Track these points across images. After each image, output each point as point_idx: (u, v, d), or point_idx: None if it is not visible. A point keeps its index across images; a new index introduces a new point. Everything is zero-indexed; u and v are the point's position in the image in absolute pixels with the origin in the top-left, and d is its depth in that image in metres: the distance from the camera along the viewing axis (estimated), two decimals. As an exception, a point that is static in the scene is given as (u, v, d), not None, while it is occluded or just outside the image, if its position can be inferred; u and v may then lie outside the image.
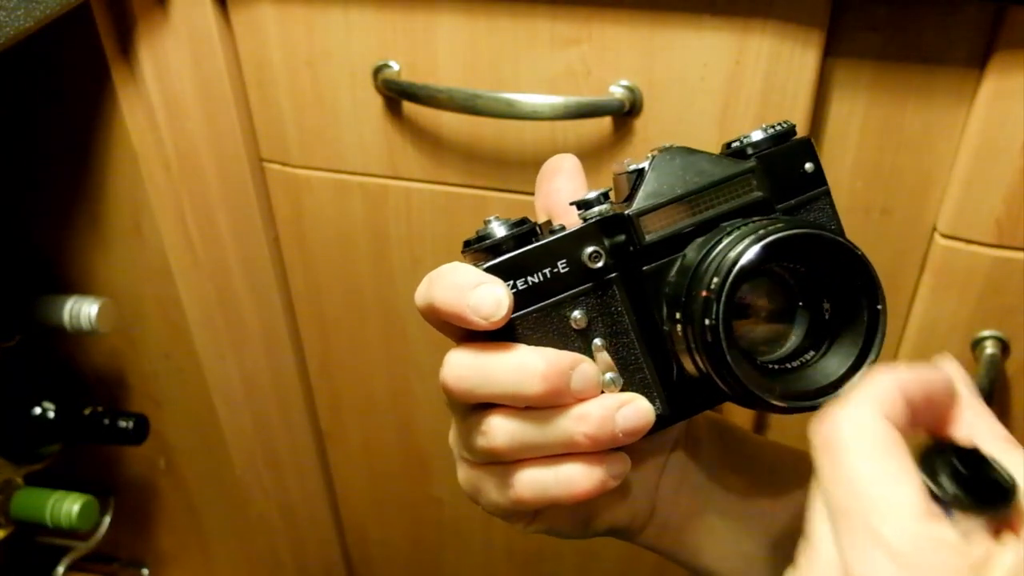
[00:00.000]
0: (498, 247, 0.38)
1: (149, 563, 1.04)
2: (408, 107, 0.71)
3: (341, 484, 0.99)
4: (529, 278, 0.38)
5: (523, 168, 0.70)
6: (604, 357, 0.39)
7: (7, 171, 0.78)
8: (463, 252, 0.39)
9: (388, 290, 0.81)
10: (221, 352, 0.85)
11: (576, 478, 0.38)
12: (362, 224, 0.78)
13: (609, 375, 0.39)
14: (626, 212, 0.39)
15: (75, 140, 0.73)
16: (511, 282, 0.38)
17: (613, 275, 0.39)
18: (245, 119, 0.76)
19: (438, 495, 0.94)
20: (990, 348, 0.64)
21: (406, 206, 0.75)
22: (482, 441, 0.38)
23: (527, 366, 0.37)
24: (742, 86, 0.62)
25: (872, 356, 0.37)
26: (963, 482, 0.28)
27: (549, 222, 0.42)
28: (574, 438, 0.37)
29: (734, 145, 0.41)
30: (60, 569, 0.91)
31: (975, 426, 0.33)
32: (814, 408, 0.37)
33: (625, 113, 0.65)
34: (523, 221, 0.39)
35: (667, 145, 0.40)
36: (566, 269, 0.38)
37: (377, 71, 0.69)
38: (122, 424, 0.81)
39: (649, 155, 0.40)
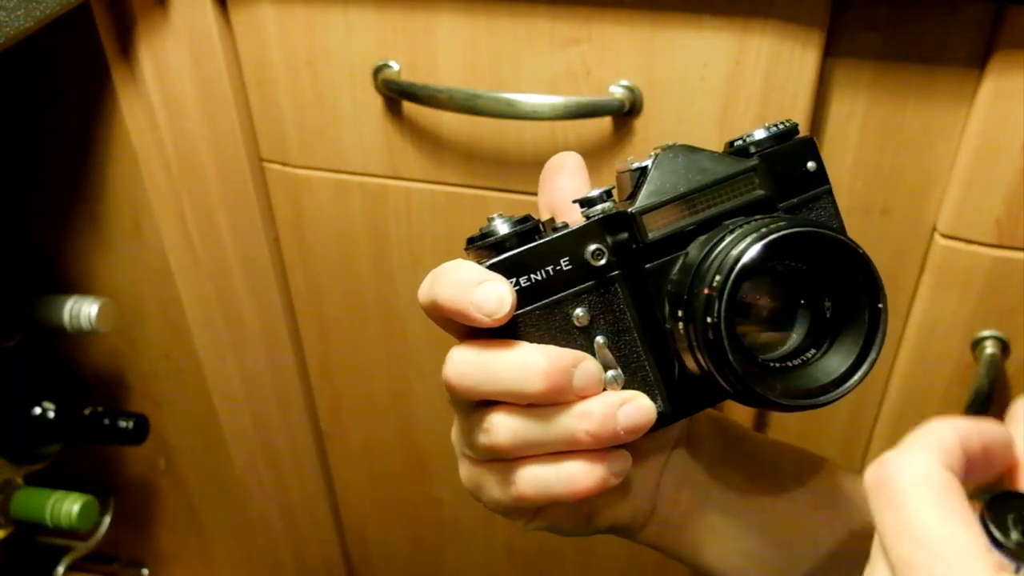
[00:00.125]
0: (501, 244, 0.38)
1: (149, 563, 1.03)
2: (408, 107, 0.71)
3: (341, 484, 0.99)
4: (532, 275, 0.38)
5: (523, 168, 0.70)
6: (606, 355, 0.39)
7: (7, 171, 0.78)
8: (466, 249, 0.39)
9: (388, 290, 0.81)
10: (221, 352, 0.85)
11: (578, 475, 0.38)
12: (362, 224, 0.78)
13: (611, 373, 0.39)
14: (629, 210, 0.39)
15: (75, 140, 0.73)
16: (514, 279, 0.38)
17: (615, 273, 0.39)
18: (245, 119, 0.76)
19: (438, 495, 0.94)
20: (990, 348, 0.64)
21: (406, 206, 0.75)
22: (484, 438, 0.39)
23: (529, 363, 0.37)
24: (742, 86, 0.62)
25: (873, 355, 0.37)
26: None
27: (552, 220, 0.42)
28: (576, 435, 0.37)
29: (736, 144, 0.41)
30: (60, 569, 0.90)
31: None
32: (815, 406, 0.37)
33: (625, 113, 0.65)
34: (526, 219, 0.39)
35: (670, 143, 0.40)
36: (569, 267, 0.38)
37: (377, 71, 0.69)
38: (122, 424, 0.81)
39: (652, 153, 0.40)
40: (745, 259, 0.35)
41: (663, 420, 0.40)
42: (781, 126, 0.41)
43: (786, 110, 0.62)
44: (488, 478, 0.40)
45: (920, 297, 0.66)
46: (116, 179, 0.74)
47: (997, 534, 0.28)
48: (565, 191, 0.43)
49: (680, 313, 0.38)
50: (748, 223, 0.38)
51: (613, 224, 0.39)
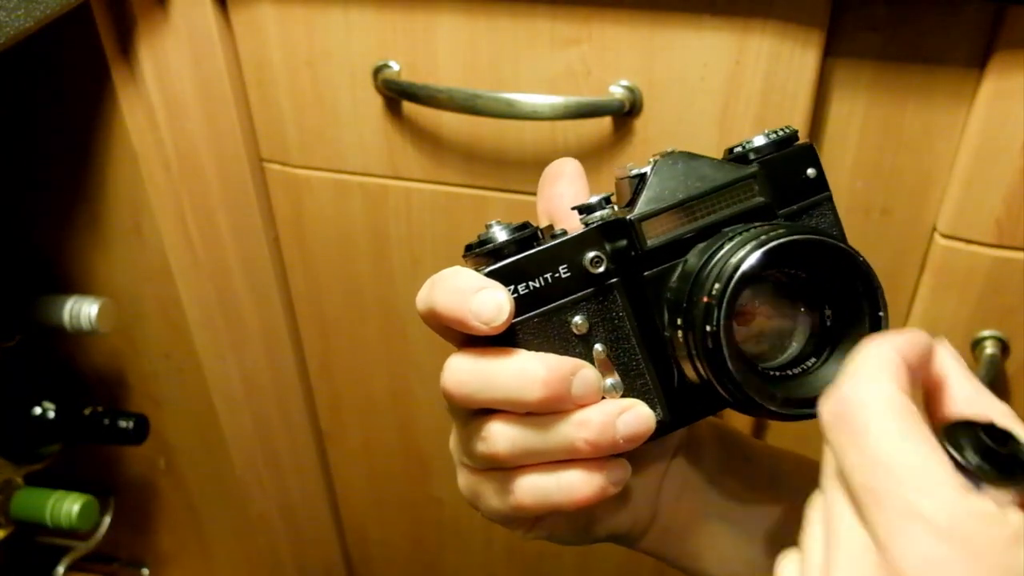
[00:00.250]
0: (500, 251, 0.38)
1: (149, 563, 1.04)
2: (408, 107, 0.71)
3: (341, 484, 0.99)
4: (530, 283, 0.38)
5: (523, 168, 0.70)
6: (605, 363, 0.39)
7: (7, 171, 0.78)
8: (464, 256, 0.39)
9: (388, 290, 0.81)
10: (221, 352, 0.85)
11: (577, 484, 0.38)
12: (362, 224, 0.78)
13: (610, 381, 0.39)
14: (628, 217, 0.39)
15: (75, 140, 0.73)
16: (512, 287, 0.38)
17: (614, 280, 0.39)
18: (245, 119, 0.76)
19: (438, 495, 0.94)
20: (990, 348, 0.64)
21: (406, 206, 0.75)
22: (482, 447, 0.38)
23: (528, 372, 0.37)
24: (742, 86, 0.62)
25: None
26: (993, 457, 0.28)
27: (551, 226, 0.42)
28: (575, 444, 0.37)
29: (736, 150, 0.41)
30: (60, 569, 0.91)
31: (977, 402, 0.32)
32: (815, 416, 0.37)
33: (625, 113, 0.65)
34: (525, 225, 0.39)
35: (669, 150, 0.40)
36: (567, 274, 0.38)
37: (377, 71, 0.69)
38: (122, 424, 0.81)
39: (651, 160, 0.40)
40: (744, 267, 0.35)
41: (663, 428, 0.39)
42: (781, 132, 0.41)
43: (786, 110, 0.62)
44: (486, 487, 0.40)
45: (920, 297, 0.66)
46: (116, 179, 0.74)
47: (959, 458, 0.28)
48: (564, 197, 0.43)
49: (679, 321, 0.38)
50: (747, 230, 0.38)
51: (612, 231, 0.39)
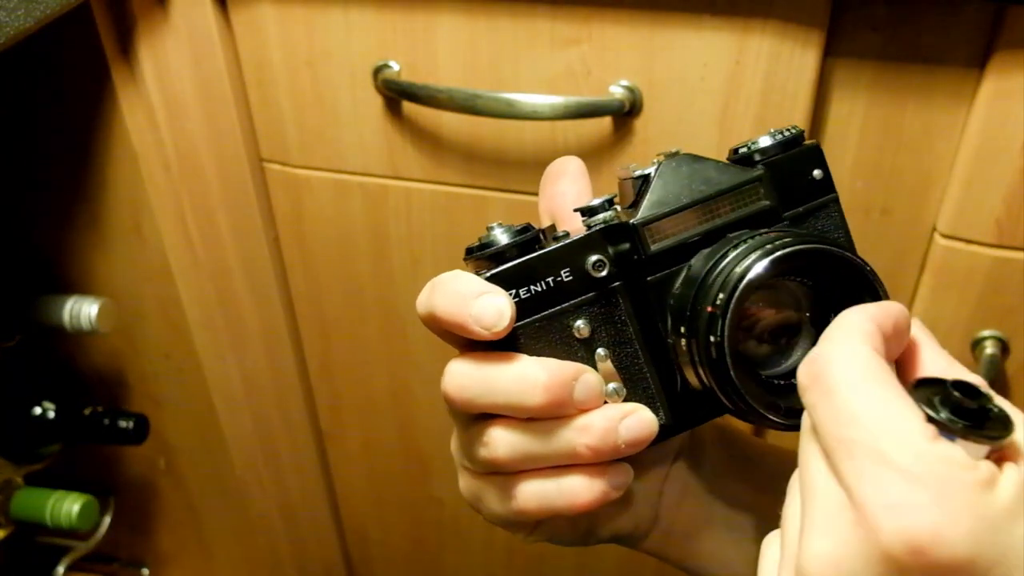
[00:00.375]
0: (501, 255, 0.38)
1: (149, 563, 1.04)
2: (408, 107, 0.71)
3: (341, 484, 0.99)
4: (532, 287, 0.38)
5: (523, 168, 0.70)
6: (607, 367, 0.39)
7: (7, 171, 0.78)
8: (465, 259, 0.39)
9: (388, 290, 0.81)
10: (221, 352, 0.85)
11: (578, 489, 0.38)
12: (362, 224, 0.78)
13: (612, 385, 0.39)
14: (631, 221, 0.38)
15: (75, 140, 0.73)
16: (513, 291, 0.37)
17: (617, 284, 0.39)
18: (245, 119, 0.76)
19: (438, 495, 0.94)
20: (990, 348, 0.64)
21: (406, 206, 0.75)
22: (483, 452, 0.38)
23: (529, 377, 0.37)
24: (742, 86, 0.62)
25: None
26: (964, 411, 0.28)
27: (553, 227, 0.41)
28: (576, 449, 0.37)
29: (741, 151, 0.41)
30: (60, 569, 0.91)
31: (946, 371, 0.33)
32: None
33: (625, 113, 0.65)
34: (526, 228, 0.38)
35: (673, 151, 0.40)
36: (569, 278, 0.38)
37: (377, 71, 0.69)
38: (122, 424, 0.81)
39: (655, 161, 0.40)
40: (750, 276, 0.35)
41: (665, 432, 0.39)
42: (787, 133, 0.40)
43: (786, 110, 0.62)
44: (488, 491, 0.40)
45: (920, 297, 0.66)
46: (116, 179, 0.74)
47: (928, 410, 0.29)
48: (566, 196, 0.43)
49: (683, 329, 0.37)
50: (753, 238, 0.37)
51: (614, 235, 0.38)
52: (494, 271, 0.37)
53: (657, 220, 0.38)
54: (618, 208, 0.39)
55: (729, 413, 0.38)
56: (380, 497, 0.98)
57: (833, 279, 0.37)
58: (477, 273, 0.38)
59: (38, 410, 0.81)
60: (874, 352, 0.30)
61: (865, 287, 0.36)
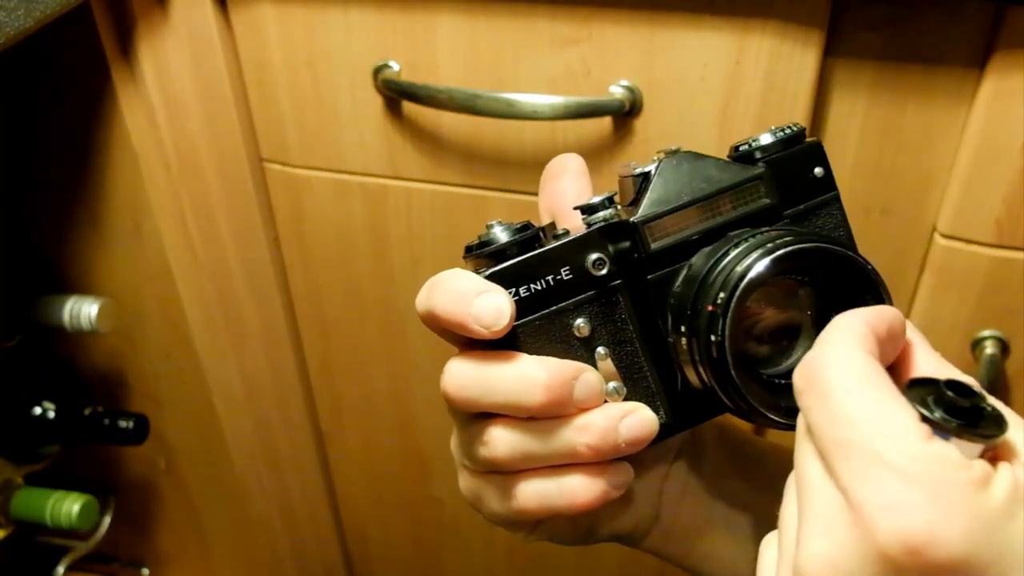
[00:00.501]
0: (501, 253, 0.38)
1: (149, 563, 1.03)
2: (408, 107, 0.71)
3: (341, 484, 0.99)
4: (532, 285, 0.38)
5: (523, 168, 0.70)
6: (607, 366, 0.39)
7: (7, 171, 0.78)
8: (465, 258, 0.39)
9: (388, 290, 0.81)
10: (221, 352, 0.85)
11: (578, 489, 0.38)
12: (362, 224, 0.78)
13: (612, 384, 0.39)
14: (631, 219, 0.38)
15: (75, 140, 0.73)
16: (513, 289, 0.37)
17: (617, 283, 0.39)
18: (245, 119, 0.76)
19: (438, 495, 0.94)
20: (990, 348, 0.64)
21: (406, 206, 0.75)
22: (483, 451, 0.38)
23: (529, 376, 0.36)
24: (742, 86, 0.62)
25: None
26: (957, 410, 0.29)
27: (553, 224, 0.41)
28: (576, 449, 0.37)
29: (742, 148, 0.41)
30: (60, 569, 0.91)
31: (938, 371, 0.33)
32: None
33: (625, 113, 0.65)
34: (526, 226, 0.38)
35: (673, 149, 0.40)
36: (569, 276, 0.38)
37: (377, 71, 0.69)
38: (122, 424, 0.81)
39: (655, 158, 0.39)
40: (751, 275, 0.35)
41: (665, 431, 0.39)
42: (788, 130, 0.40)
43: (786, 110, 0.62)
44: (487, 490, 0.40)
45: (920, 297, 0.66)
46: (116, 179, 0.74)
47: (922, 410, 0.29)
48: (567, 194, 0.43)
49: (683, 328, 0.37)
50: (754, 236, 0.37)
51: (614, 233, 0.38)
52: (494, 269, 0.37)
53: (657, 218, 0.38)
54: (618, 206, 0.39)
55: (730, 412, 0.38)
56: (380, 497, 0.98)
57: (834, 278, 0.36)
58: (477, 271, 0.38)
59: (38, 410, 0.81)
60: (868, 355, 0.30)
61: (867, 286, 0.36)
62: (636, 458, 0.39)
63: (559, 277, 0.38)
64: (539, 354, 0.38)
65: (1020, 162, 0.58)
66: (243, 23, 0.71)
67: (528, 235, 0.38)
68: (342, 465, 0.97)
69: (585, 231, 0.38)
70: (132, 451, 0.92)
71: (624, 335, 0.39)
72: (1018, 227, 0.60)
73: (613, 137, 0.67)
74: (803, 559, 0.28)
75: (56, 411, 0.81)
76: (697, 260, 0.38)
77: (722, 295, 0.35)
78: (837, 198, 0.41)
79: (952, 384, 0.29)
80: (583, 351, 0.39)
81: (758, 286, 0.35)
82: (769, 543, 0.33)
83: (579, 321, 0.38)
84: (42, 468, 0.85)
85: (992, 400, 0.30)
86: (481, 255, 0.38)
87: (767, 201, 0.39)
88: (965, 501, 0.26)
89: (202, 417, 0.88)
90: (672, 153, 0.39)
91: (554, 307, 0.38)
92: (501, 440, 0.38)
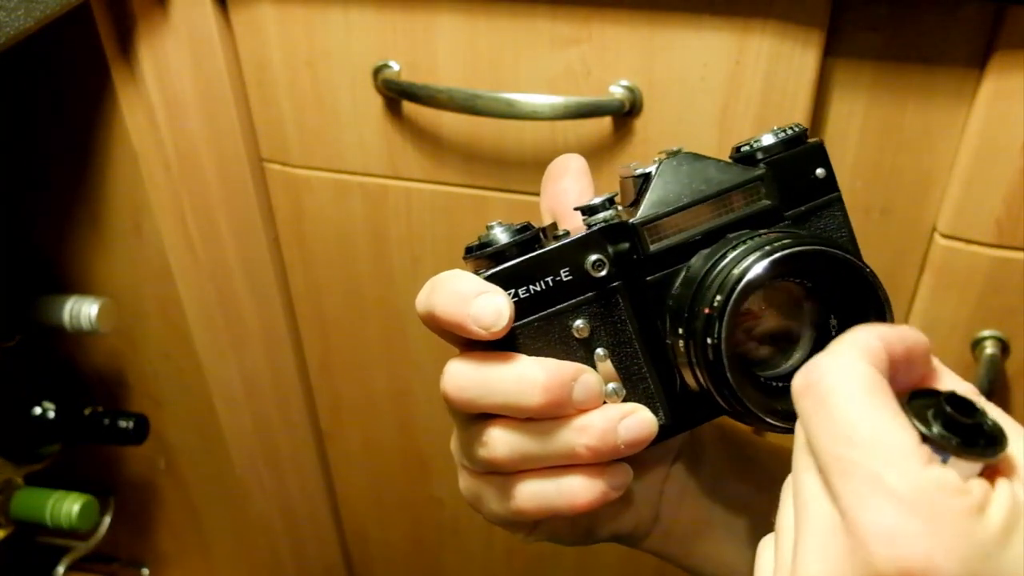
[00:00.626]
0: (500, 254, 0.38)
1: (149, 563, 1.03)
2: (408, 107, 0.71)
3: (341, 484, 0.99)
4: (531, 286, 0.38)
5: (523, 168, 0.70)
6: (607, 367, 0.39)
7: (7, 171, 0.78)
8: (464, 258, 0.39)
9: (388, 290, 0.81)
10: (221, 352, 0.85)
11: (578, 490, 0.38)
12: (362, 224, 0.78)
13: (611, 385, 0.39)
14: (631, 221, 0.38)
15: (75, 140, 0.73)
16: (513, 290, 0.37)
17: (617, 284, 0.39)
18: (245, 119, 0.76)
19: (438, 495, 0.94)
20: (990, 348, 0.64)
21: (406, 206, 0.75)
22: (483, 452, 0.38)
23: (528, 377, 0.36)
24: (742, 86, 0.62)
25: None
26: (958, 428, 0.28)
27: (554, 225, 0.41)
28: (575, 450, 0.37)
29: (743, 149, 0.40)
30: (60, 569, 0.90)
31: (941, 381, 0.33)
32: None
33: (625, 113, 0.65)
34: (526, 227, 0.38)
35: (674, 150, 0.39)
36: (569, 277, 0.38)
37: (377, 71, 0.69)
38: (122, 424, 0.81)
39: (656, 159, 0.39)
40: (748, 278, 0.35)
41: (665, 432, 0.39)
42: (790, 131, 0.40)
43: (786, 110, 0.62)
44: (487, 491, 0.40)
45: (920, 297, 0.66)
46: (116, 179, 0.74)
47: (921, 427, 0.28)
48: (568, 194, 0.43)
49: (681, 330, 0.37)
50: (752, 238, 0.37)
51: (614, 234, 0.38)
52: (493, 270, 0.37)
53: (657, 220, 0.38)
54: (619, 207, 0.39)
55: (727, 415, 0.38)
56: (380, 497, 0.98)
57: (833, 281, 0.36)
58: (476, 272, 0.38)
59: (38, 410, 0.81)
60: (872, 367, 0.30)
61: (865, 289, 0.36)
62: (635, 459, 0.39)
63: (558, 278, 0.38)
64: (538, 355, 0.38)
65: (1020, 162, 0.58)
66: (243, 23, 0.71)
67: (528, 236, 0.38)
68: (342, 465, 0.97)
69: (585, 232, 0.38)
70: (132, 451, 0.92)
71: (623, 336, 0.39)
72: (1018, 227, 0.60)
73: (613, 137, 0.67)
74: None
75: (56, 411, 0.81)
76: (696, 262, 0.38)
77: (719, 298, 0.35)
78: (839, 199, 0.41)
79: (952, 399, 0.29)
80: (582, 352, 0.39)
81: (755, 289, 0.35)
82: (766, 546, 0.33)
83: (578, 322, 0.38)
84: (42, 468, 0.85)
85: (992, 411, 0.30)
86: (481, 256, 0.38)
87: (768, 202, 0.39)
88: (963, 529, 0.26)
89: (202, 417, 0.87)
90: (673, 154, 0.39)
91: (553, 308, 0.38)
92: (500, 441, 0.38)
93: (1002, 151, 0.58)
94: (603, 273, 0.38)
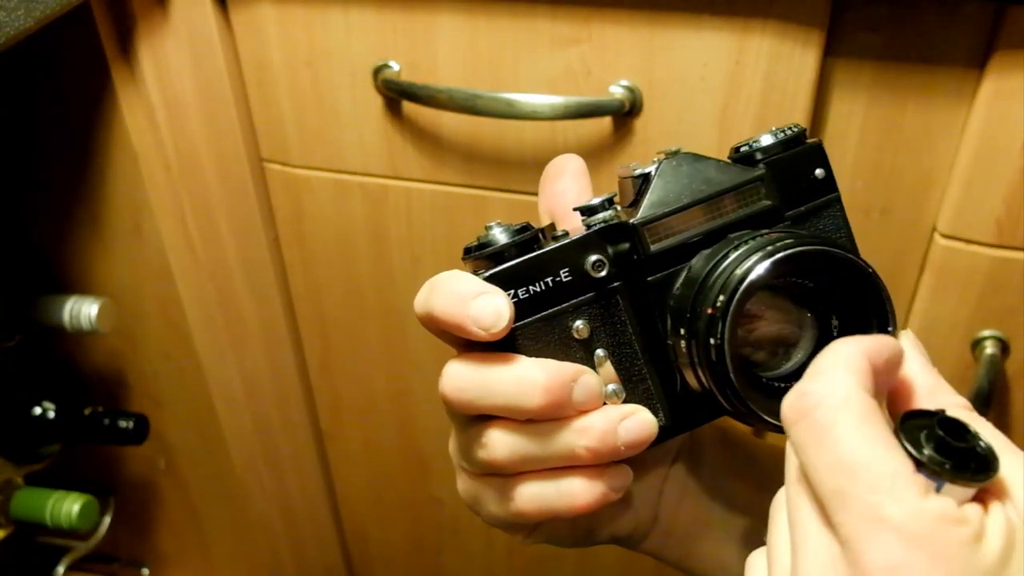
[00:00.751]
0: (500, 255, 0.37)
1: (149, 563, 1.03)
2: (408, 107, 0.70)
3: (341, 484, 0.99)
4: (531, 287, 0.37)
5: (523, 168, 0.70)
6: (607, 368, 0.39)
7: (7, 171, 0.78)
8: (463, 259, 0.39)
9: (388, 290, 0.81)
10: (221, 352, 0.85)
11: (577, 492, 0.38)
12: (362, 224, 0.78)
13: (611, 386, 0.38)
14: (631, 221, 0.38)
15: (75, 140, 0.73)
16: (512, 291, 0.37)
17: (616, 284, 0.38)
18: (245, 119, 0.76)
19: (438, 495, 0.94)
20: (990, 348, 0.64)
21: (406, 206, 0.75)
22: (482, 453, 0.38)
23: (527, 379, 0.36)
24: (742, 86, 0.62)
25: None
26: (951, 452, 0.28)
27: (553, 226, 0.41)
28: (575, 451, 0.37)
29: (742, 149, 0.40)
30: (60, 569, 0.91)
31: (936, 395, 0.33)
32: None
33: (625, 113, 0.65)
34: (525, 227, 0.38)
35: (673, 150, 0.39)
36: (568, 278, 0.38)
37: (377, 71, 0.69)
38: (122, 424, 0.81)
39: (655, 159, 0.39)
40: (751, 278, 0.35)
41: (665, 433, 0.39)
42: (789, 131, 0.40)
43: (786, 110, 0.62)
44: (486, 492, 0.40)
45: (920, 297, 0.66)
46: (116, 179, 0.74)
47: (913, 451, 0.28)
48: (566, 194, 0.42)
49: (682, 330, 0.37)
50: (754, 239, 0.37)
51: (614, 234, 0.38)
52: (492, 271, 0.37)
53: (657, 220, 0.38)
54: (618, 207, 0.39)
55: (728, 415, 0.38)
56: (380, 497, 0.98)
57: (835, 280, 0.36)
58: (475, 273, 0.37)
59: (38, 410, 0.81)
60: (863, 392, 0.29)
61: (867, 289, 0.36)
62: (635, 460, 0.39)
63: (558, 279, 0.38)
64: (538, 356, 0.37)
65: (1020, 162, 0.58)
66: (243, 23, 0.71)
67: (527, 236, 0.38)
68: (342, 465, 0.97)
69: (584, 232, 0.38)
70: (132, 451, 0.92)
71: (623, 337, 0.39)
72: (1018, 227, 0.59)
73: (613, 137, 0.67)
74: None
75: (56, 411, 0.81)
76: (697, 262, 0.38)
77: (722, 298, 0.35)
78: (838, 199, 0.41)
79: (945, 422, 0.29)
80: (582, 353, 0.38)
81: (758, 289, 0.35)
82: (756, 563, 0.32)
83: (578, 323, 0.38)
84: (42, 468, 0.85)
85: (984, 430, 0.30)
86: (480, 257, 0.38)
87: (768, 203, 0.39)
88: (963, 560, 0.26)
89: (202, 417, 0.87)
90: (672, 154, 0.39)
91: (553, 309, 0.38)
92: (500, 442, 0.37)
93: (1002, 151, 0.58)
94: (603, 273, 0.38)
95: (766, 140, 0.40)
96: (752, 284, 0.35)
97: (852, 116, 0.62)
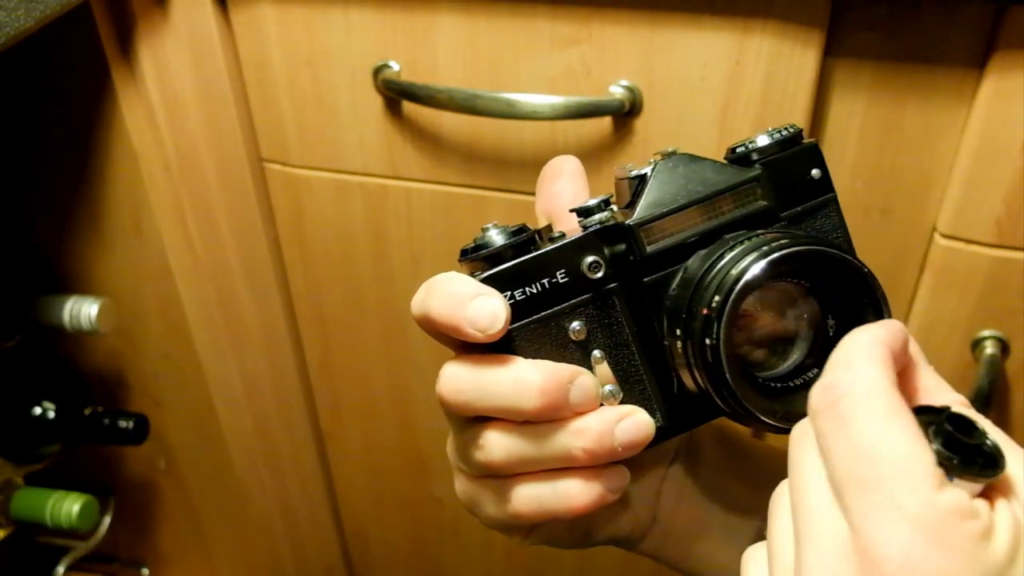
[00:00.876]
0: (496, 256, 0.37)
1: (149, 563, 1.04)
2: (408, 107, 0.70)
3: (341, 484, 0.99)
4: (527, 288, 0.37)
5: (523, 168, 0.70)
6: (603, 369, 0.39)
7: (7, 171, 0.78)
8: (460, 261, 0.39)
9: (388, 290, 0.81)
10: (221, 352, 0.85)
11: (574, 493, 0.38)
12: (362, 224, 0.78)
13: (608, 387, 0.38)
14: (627, 222, 0.38)
15: (75, 140, 0.73)
16: (509, 293, 0.37)
17: (613, 285, 0.38)
18: (245, 119, 0.76)
19: (438, 495, 0.94)
20: (990, 348, 0.64)
21: (406, 206, 0.75)
22: (479, 455, 0.38)
23: (524, 380, 0.36)
24: (742, 86, 0.62)
25: None
26: (959, 447, 0.28)
27: (549, 227, 0.41)
28: (572, 453, 0.37)
29: (739, 150, 0.40)
30: (60, 569, 0.91)
31: (935, 391, 0.33)
32: None
33: (625, 113, 0.65)
34: (522, 229, 0.38)
35: (670, 151, 0.39)
36: (565, 279, 0.38)
37: (377, 71, 0.69)
38: (122, 424, 0.81)
39: (651, 160, 0.39)
40: (746, 278, 0.35)
41: (662, 434, 0.39)
42: (785, 132, 0.40)
43: (786, 110, 0.62)
44: (484, 494, 0.40)
45: (920, 297, 0.66)
46: (116, 179, 0.74)
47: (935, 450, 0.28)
48: (563, 196, 0.42)
49: (678, 331, 0.37)
50: (749, 239, 0.37)
51: (610, 235, 0.38)
52: (489, 273, 0.37)
53: (653, 221, 0.38)
54: (614, 208, 0.39)
55: (725, 416, 0.38)
56: (380, 497, 0.98)
57: (831, 281, 0.36)
58: (472, 275, 0.37)
59: (38, 410, 0.81)
60: (888, 380, 0.29)
61: (863, 289, 0.36)
62: (632, 461, 0.39)
63: (555, 280, 0.38)
64: (535, 357, 0.37)
65: (1020, 162, 0.58)
66: (243, 23, 0.71)
67: (523, 238, 0.38)
68: (342, 465, 0.97)
69: (581, 234, 0.38)
70: (132, 451, 0.92)
71: (620, 338, 0.39)
72: (1018, 227, 0.59)
73: (613, 137, 0.67)
74: None
75: (56, 411, 0.81)
76: (693, 263, 0.38)
77: (717, 298, 0.35)
78: (834, 200, 0.41)
79: (954, 418, 0.29)
80: (579, 354, 0.38)
81: (754, 289, 0.35)
82: (754, 559, 0.32)
83: (575, 324, 0.38)
84: (42, 468, 0.85)
85: (991, 431, 0.30)
86: (476, 258, 0.38)
87: (764, 203, 0.39)
88: (974, 555, 0.26)
89: (202, 417, 0.88)
90: (668, 155, 0.39)
91: (550, 310, 0.38)
92: (497, 444, 0.37)
93: (1002, 151, 0.58)
94: (599, 275, 0.38)
95: (762, 140, 0.40)
96: (748, 284, 0.35)
97: (852, 116, 0.62)
